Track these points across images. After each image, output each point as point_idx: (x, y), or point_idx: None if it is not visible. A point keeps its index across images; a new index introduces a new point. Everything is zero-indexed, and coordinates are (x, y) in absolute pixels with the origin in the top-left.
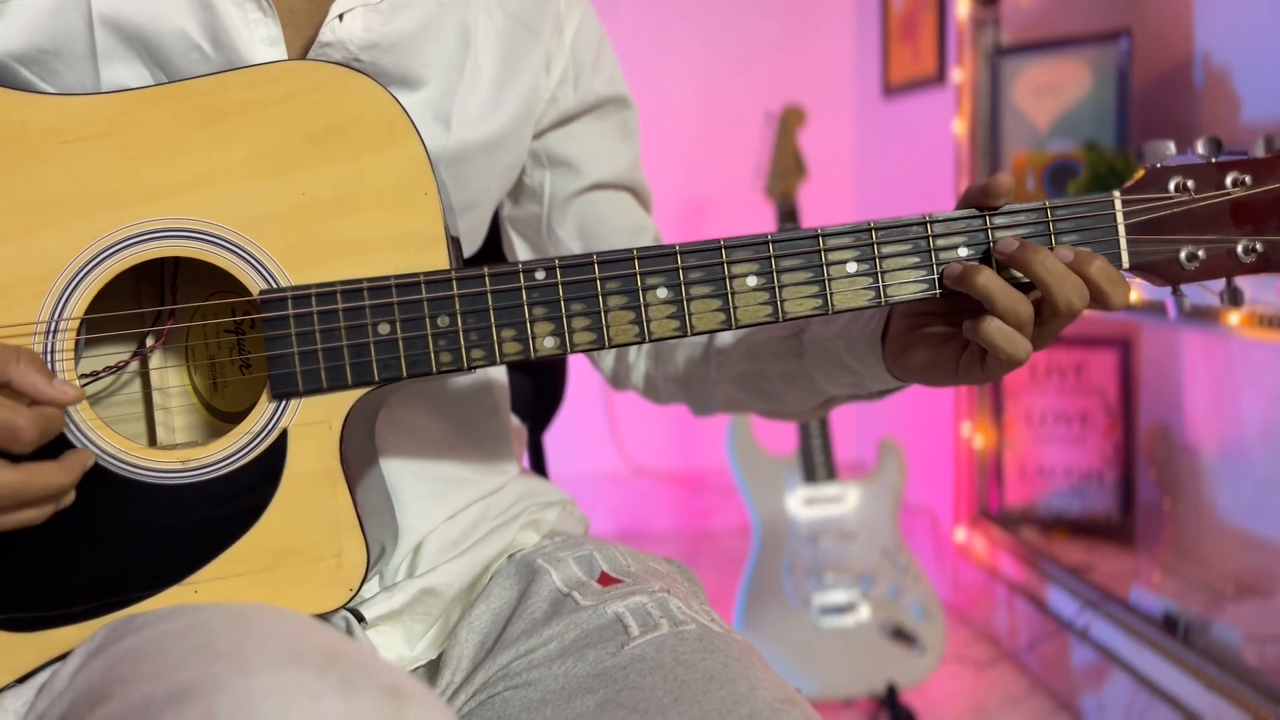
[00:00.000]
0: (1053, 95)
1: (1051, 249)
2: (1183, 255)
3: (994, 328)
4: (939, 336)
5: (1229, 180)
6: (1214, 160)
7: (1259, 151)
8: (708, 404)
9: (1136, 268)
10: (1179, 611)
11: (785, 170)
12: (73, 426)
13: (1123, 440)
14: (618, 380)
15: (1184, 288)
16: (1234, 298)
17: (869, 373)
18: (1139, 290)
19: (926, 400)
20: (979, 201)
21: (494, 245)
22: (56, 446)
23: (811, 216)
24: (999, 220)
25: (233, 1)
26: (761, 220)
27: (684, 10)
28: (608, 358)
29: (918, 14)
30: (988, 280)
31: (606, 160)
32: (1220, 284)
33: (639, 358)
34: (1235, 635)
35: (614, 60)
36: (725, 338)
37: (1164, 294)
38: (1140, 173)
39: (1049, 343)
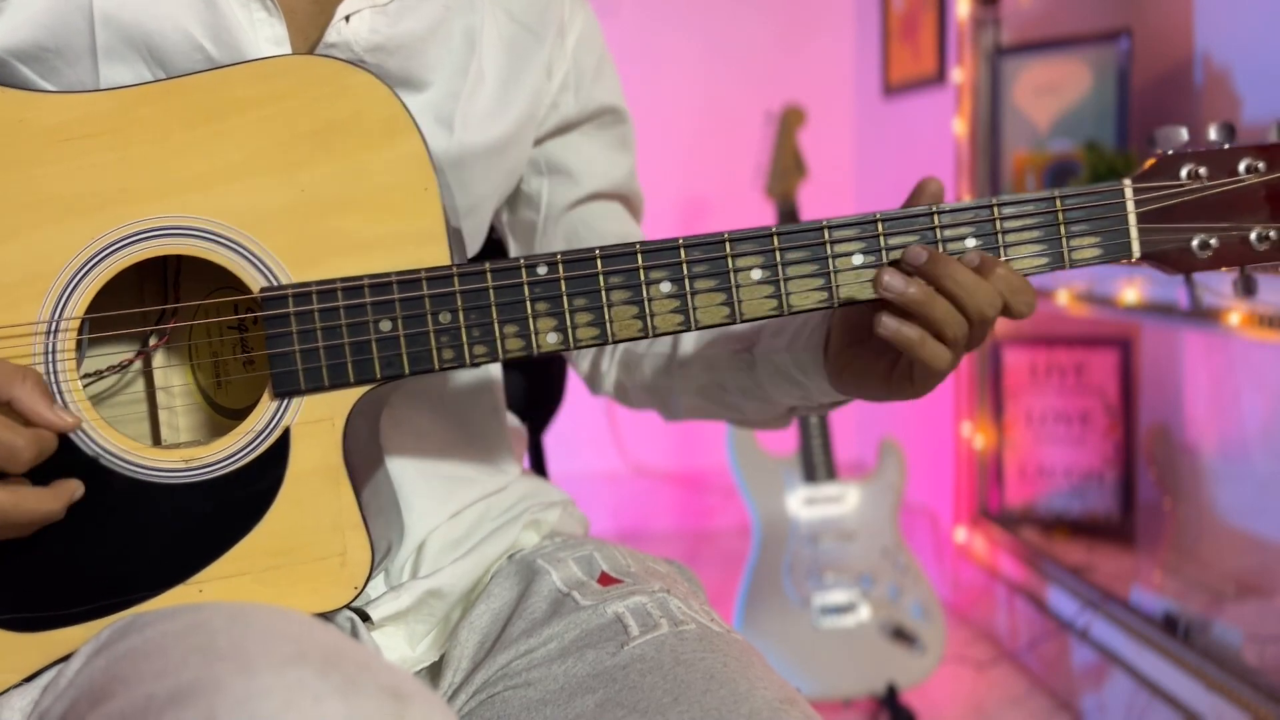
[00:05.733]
0: (1053, 95)
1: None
2: (1195, 244)
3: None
4: (872, 351)
5: (1242, 167)
6: (1227, 146)
7: (1273, 137)
8: (675, 412)
9: (1147, 257)
10: (1179, 611)
11: (785, 170)
12: (76, 429)
13: (1123, 440)
14: (593, 384)
15: (1196, 276)
16: (1248, 286)
17: (815, 387)
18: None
19: (927, 400)
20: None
21: (491, 250)
22: (58, 449)
23: (811, 216)
24: (1007, 210)
25: (238, 1)
26: (761, 220)
27: (684, 10)
28: (584, 360)
29: (918, 14)
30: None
31: (604, 170)
32: (1234, 273)
33: (610, 366)
34: (1235, 635)
35: (614, 71)
36: (687, 349)
37: (1168, 293)
38: (1151, 160)
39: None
